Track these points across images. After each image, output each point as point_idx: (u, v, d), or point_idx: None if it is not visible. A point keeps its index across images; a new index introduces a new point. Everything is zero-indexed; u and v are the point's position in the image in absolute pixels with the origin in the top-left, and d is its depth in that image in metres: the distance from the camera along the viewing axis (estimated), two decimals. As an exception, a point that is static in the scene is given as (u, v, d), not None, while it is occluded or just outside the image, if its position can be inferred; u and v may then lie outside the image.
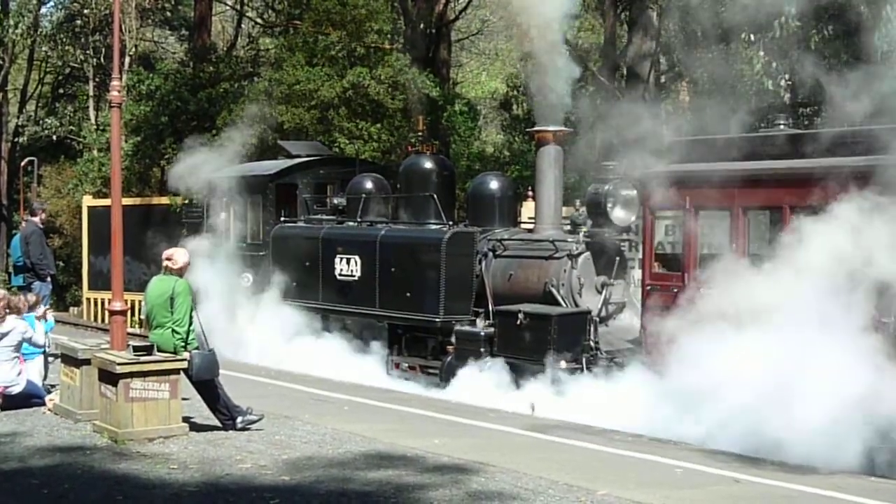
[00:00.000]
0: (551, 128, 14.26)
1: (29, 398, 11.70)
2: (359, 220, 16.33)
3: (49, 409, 11.46)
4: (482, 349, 13.47)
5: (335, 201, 17.33)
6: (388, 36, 26.64)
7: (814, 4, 15.37)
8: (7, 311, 11.62)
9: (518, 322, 12.89)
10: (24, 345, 11.88)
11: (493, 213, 15.23)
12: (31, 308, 12.58)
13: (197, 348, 10.27)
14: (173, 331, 10.13)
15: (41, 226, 15.55)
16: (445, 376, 14.00)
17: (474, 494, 7.92)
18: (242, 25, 37.62)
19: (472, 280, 14.35)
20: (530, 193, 17.28)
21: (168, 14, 37.36)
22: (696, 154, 11.97)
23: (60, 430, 10.48)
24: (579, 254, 13.47)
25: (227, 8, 37.76)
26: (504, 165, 27.14)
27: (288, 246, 16.89)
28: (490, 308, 13.96)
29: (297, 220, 17.36)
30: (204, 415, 10.66)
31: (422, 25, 26.05)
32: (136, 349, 10.22)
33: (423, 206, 15.61)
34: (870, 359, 9.68)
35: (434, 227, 15.11)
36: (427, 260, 14.49)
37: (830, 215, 10.21)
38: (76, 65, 37.98)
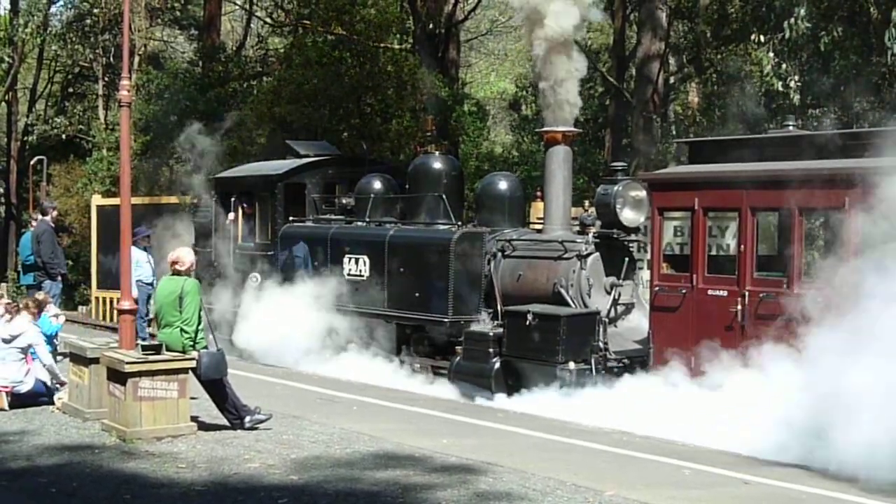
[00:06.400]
0: (560, 128, 14.24)
1: (37, 397, 11.74)
2: (367, 220, 16.31)
3: (57, 408, 11.49)
4: (490, 349, 13.46)
5: (344, 201, 17.31)
6: (398, 35, 26.64)
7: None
8: (15, 311, 11.66)
9: (527, 322, 12.87)
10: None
11: (501, 213, 15.19)
12: (39, 307, 12.62)
13: (205, 347, 10.30)
14: (182, 330, 10.16)
15: (52, 225, 15.59)
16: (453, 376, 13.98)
17: (482, 495, 7.92)
18: (252, 25, 37.65)
19: (481, 280, 14.34)
20: (539, 194, 17.23)
21: (177, 13, 37.39)
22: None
23: (69, 428, 10.51)
24: (588, 254, 13.44)
25: (237, 7, 37.80)
26: (513, 166, 27.12)
27: (296, 246, 16.86)
28: (499, 308, 13.95)
29: (306, 220, 17.35)
30: (212, 414, 10.68)
31: (431, 25, 26.02)
32: (144, 348, 10.24)
33: (432, 206, 15.59)
34: None
35: (443, 227, 15.09)
36: (435, 260, 14.47)
37: None
38: (85, 64, 38.06)
